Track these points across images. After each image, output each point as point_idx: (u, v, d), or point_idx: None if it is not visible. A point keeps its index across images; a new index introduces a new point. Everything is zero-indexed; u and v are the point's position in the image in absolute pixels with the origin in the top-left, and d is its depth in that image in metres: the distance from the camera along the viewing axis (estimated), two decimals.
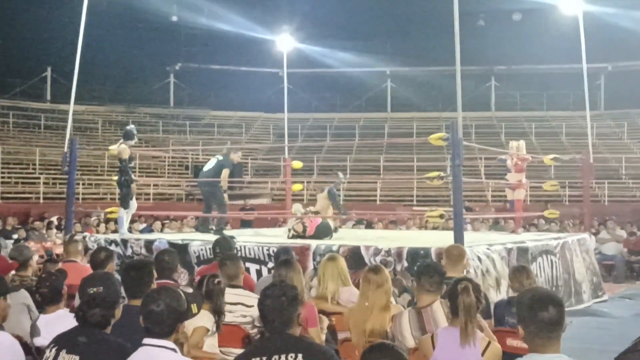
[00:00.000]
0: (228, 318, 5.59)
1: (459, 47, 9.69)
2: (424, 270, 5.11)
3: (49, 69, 37.80)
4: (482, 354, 4.10)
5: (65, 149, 12.34)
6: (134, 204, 12.06)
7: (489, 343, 4.17)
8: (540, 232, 16.19)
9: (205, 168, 12.32)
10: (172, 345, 3.65)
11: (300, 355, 3.39)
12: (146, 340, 3.64)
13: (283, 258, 6.33)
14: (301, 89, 41.85)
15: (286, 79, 26.10)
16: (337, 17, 39.57)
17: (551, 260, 11.44)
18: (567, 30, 24.49)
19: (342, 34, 40.62)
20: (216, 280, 5.34)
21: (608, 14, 32.09)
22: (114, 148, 11.96)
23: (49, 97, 37.57)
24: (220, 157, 12.20)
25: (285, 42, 28.95)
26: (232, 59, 41.25)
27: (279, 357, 3.40)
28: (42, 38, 36.97)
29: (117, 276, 4.79)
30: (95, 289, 3.97)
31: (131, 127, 12.24)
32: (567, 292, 11.78)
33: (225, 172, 11.89)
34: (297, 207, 12.76)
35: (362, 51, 40.88)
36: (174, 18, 40.45)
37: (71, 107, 13.20)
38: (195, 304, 4.26)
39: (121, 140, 11.83)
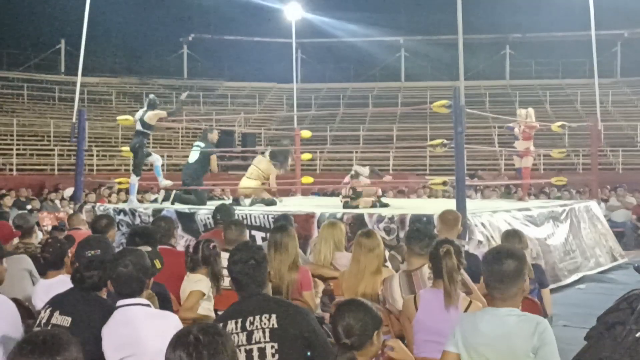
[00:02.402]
0: (225, 282, 5.68)
1: (460, 12, 9.68)
2: (414, 234, 5.19)
3: (63, 41, 37.87)
4: None
5: (74, 120, 12.48)
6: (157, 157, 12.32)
7: (470, 303, 4.25)
8: (550, 199, 16.21)
9: (191, 159, 12.32)
10: (146, 302, 3.77)
11: (274, 316, 3.48)
12: (120, 302, 3.74)
13: (278, 224, 6.42)
14: (315, 59, 41.75)
15: (294, 49, 25.97)
16: None
17: (559, 226, 11.48)
18: None
19: (356, 3, 40.39)
20: (211, 245, 5.44)
21: None
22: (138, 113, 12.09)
23: (63, 70, 37.70)
24: (202, 144, 12.26)
25: (293, 11, 28.75)
26: (246, 30, 41.16)
27: (254, 319, 3.49)
28: (56, 10, 37.09)
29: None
30: (92, 252, 4.05)
31: (153, 96, 12.37)
32: (583, 256, 11.84)
33: (214, 158, 12.22)
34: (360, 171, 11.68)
35: (376, 20, 40.65)
36: None
37: (79, 78, 13.31)
38: (157, 260, 4.39)
39: (145, 108, 12.00)
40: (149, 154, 12.24)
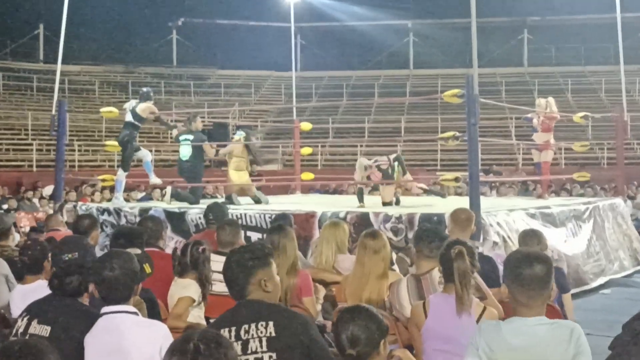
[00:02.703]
0: (218, 288, 5.68)
1: None
2: (423, 234, 5.19)
3: (42, 27, 37.90)
4: (477, 321, 4.18)
5: (53, 112, 12.49)
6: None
7: (484, 309, 4.24)
8: (573, 197, 16.21)
9: (184, 157, 12.23)
10: (133, 309, 3.76)
11: (271, 324, 3.47)
12: (105, 309, 3.74)
13: (276, 224, 6.42)
14: (316, 45, 41.71)
15: (293, 33, 25.96)
16: None
17: (581, 226, 11.47)
18: None
19: None
20: (200, 248, 5.41)
21: None
22: (129, 103, 12.21)
23: (41, 57, 37.74)
24: (190, 137, 12.19)
25: None
26: (241, 13, 41.15)
27: (249, 327, 3.48)
28: None
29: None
30: (70, 255, 4.05)
31: (147, 88, 12.51)
32: (607, 259, 11.84)
33: (207, 147, 12.29)
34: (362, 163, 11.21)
35: (382, 2, 40.62)
36: None
37: (59, 66, 13.28)
38: (147, 264, 4.38)
39: (138, 101, 12.08)
40: (138, 149, 12.26)
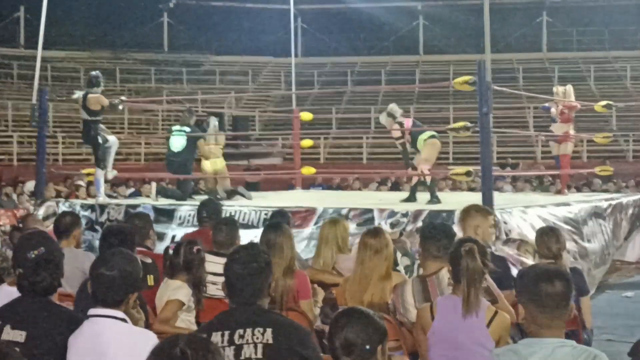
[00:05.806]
0: (212, 290, 5.70)
1: None
2: (430, 232, 5.18)
3: (22, 9, 37.84)
4: (488, 326, 4.19)
5: (34, 101, 12.47)
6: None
7: (495, 313, 4.24)
8: (594, 192, 16.18)
9: (176, 149, 12.20)
10: (122, 315, 3.75)
11: (269, 330, 3.49)
12: (92, 311, 3.74)
13: (272, 221, 6.42)
14: (318, 29, 41.61)
15: (293, 16, 25.93)
16: None
17: (601, 224, 11.46)
18: None
19: None
20: (195, 249, 5.43)
21: None
22: (78, 96, 12.10)
23: (22, 42, 37.69)
24: (187, 129, 12.24)
25: None
26: None
27: (244, 332, 3.50)
28: None
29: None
30: (36, 252, 4.03)
31: (96, 72, 12.37)
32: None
33: (201, 144, 12.39)
34: None
35: None
36: None
37: (39, 52, 13.27)
38: (151, 276, 4.37)
39: (86, 89, 11.98)
40: (106, 140, 12.06)
